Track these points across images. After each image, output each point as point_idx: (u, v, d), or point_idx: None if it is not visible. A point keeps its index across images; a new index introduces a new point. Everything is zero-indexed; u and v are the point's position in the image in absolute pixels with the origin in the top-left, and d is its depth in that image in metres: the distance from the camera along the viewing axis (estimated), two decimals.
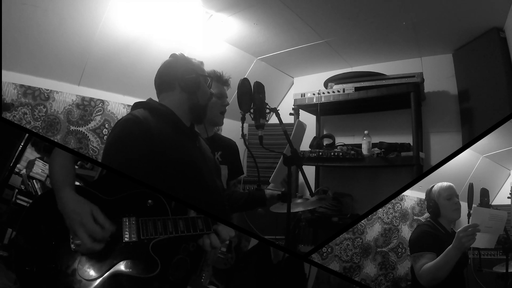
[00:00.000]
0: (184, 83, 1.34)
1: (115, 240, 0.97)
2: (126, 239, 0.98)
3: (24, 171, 1.66)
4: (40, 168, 1.73)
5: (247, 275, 1.35)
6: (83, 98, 2.38)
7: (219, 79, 1.87)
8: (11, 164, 1.49)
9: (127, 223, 1.00)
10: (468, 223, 1.56)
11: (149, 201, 1.06)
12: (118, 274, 0.95)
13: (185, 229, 1.05)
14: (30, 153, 1.70)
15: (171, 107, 1.34)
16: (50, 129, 2.22)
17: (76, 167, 1.17)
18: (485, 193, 1.88)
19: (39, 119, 2.16)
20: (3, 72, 1.96)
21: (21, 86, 2.08)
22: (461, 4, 2.14)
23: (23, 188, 1.60)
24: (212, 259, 1.29)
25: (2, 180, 1.43)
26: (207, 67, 1.90)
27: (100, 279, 0.93)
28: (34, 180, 1.68)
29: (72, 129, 2.33)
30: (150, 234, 1.01)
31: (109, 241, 0.96)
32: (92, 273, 0.93)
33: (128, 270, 0.96)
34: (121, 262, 0.96)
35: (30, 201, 1.50)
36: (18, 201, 1.53)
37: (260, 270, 1.34)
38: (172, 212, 1.09)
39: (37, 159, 1.74)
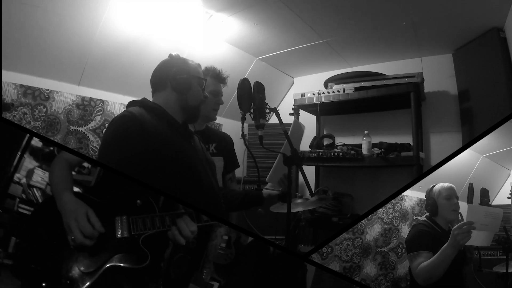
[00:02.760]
0: (175, 83, 1.36)
1: (109, 237, 1.08)
2: (118, 235, 1.09)
3: (24, 180, 1.67)
4: (40, 177, 1.74)
5: (247, 270, 1.36)
6: (83, 98, 2.38)
7: (217, 77, 1.87)
8: (10, 174, 1.52)
9: (119, 222, 1.11)
10: None
11: (138, 201, 1.17)
12: (113, 266, 1.06)
13: (171, 223, 1.15)
14: (29, 162, 1.71)
15: (163, 106, 1.35)
16: (50, 129, 2.22)
17: (74, 173, 1.29)
18: (485, 193, 1.89)
19: (39, 119, 2.16)
20: (3, 72, 1.97)
21: (21, 86, 2.08)
22: (461, 4, 2.14)
23: (24, 197, 1.62)
24: (213, 255, 1.31)
25: (2, 190, 1.46)
26: (205, 67, 1.91)
27: (98, 271, 1.04)
28: (34, 189, 1.70)
29: (72, 129, 2.33)
30: (139, 229, 1.12)
31: (104, 238, 1.06)
32: (90, 266, 1.04)
33: (121, 262, 1.07)
34: (115, 256, 1.07)
35: (32, 209, 1.54)
36: (20, 210, 1.55)
37: (259, 265, 1.35)
38: (160, 209, 1.18)
39: (36, 167, 1.75)
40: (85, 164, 1.36)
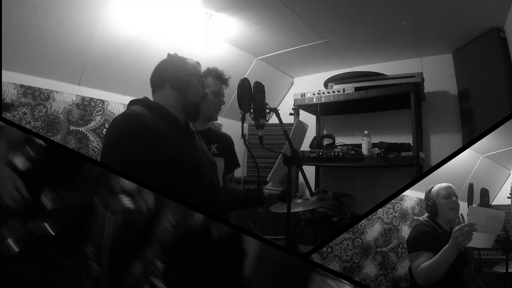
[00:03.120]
0: (174, 81, 1.36)
1: (36, 205, 1.19)
2: (45, 204, 1.19)
3: None
4: None
5: (191, 252, 1.37)
6: (83, 98, 2.38)
7: (219, 77, 1.87)
8: None
9: (46, 192, 1.20)
10: None
11: (61, 172, 1.25)
12: (40, 232, 1.17)
13: (99, 196, 1.22)
14: None
15: (164, 104, 1.36)
16: (50, 129, 2.22)
17: (30, 150, 1.35)
18: (485, 193, 1.88)
19: (39, 119, 2.16)
20: (3, 72, 1.96)
21: (21, 86, 2.08)
22: (461, 4, 2.14)
23: None
24: (159, 236, 1.33)
25: None
26: (207, 67, 1.91)
27: (27, 236, 1.16)
28: None
29: (72, 129, 2.33)
30: (63, 199, 1.20)
31: (31, 205, 1.18)
32: (20, 230, 1.16)
33: (47, 227, 1.18)
34: (42, 222, 1.19)
35: None
36: None
37: (204, 248, 1.37)
38: (83, 182, 1.25)
39: None
40: (39, 141, 1.42)
